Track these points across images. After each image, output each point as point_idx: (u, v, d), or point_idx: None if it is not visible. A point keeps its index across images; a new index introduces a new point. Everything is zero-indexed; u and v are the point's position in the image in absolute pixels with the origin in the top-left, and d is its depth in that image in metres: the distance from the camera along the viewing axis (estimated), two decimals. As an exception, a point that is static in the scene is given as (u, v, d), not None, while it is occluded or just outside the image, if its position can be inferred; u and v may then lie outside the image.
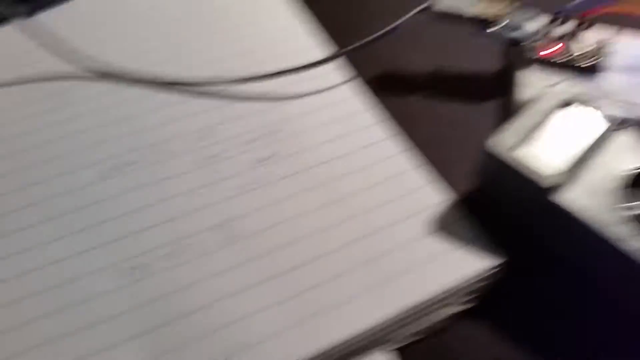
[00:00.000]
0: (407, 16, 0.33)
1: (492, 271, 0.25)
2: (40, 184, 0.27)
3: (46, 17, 0.36)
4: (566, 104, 0.26)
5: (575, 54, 0.32)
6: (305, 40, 0.35)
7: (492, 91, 0.33)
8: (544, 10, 0.34)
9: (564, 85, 0.26)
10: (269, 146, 0.29)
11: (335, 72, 0.33)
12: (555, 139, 0.25)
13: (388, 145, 0.29)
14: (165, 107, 0.31)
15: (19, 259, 0.25)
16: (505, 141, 0.25)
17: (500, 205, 0.26)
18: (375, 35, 0.32)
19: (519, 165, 0.24)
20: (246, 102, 0.31)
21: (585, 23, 0.33)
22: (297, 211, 0.26)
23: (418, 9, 0.33)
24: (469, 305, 0.25)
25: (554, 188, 0.23)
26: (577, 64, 0.32)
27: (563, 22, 0.33)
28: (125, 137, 0.30)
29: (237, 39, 0.35)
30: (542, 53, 0.32)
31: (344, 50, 0.32)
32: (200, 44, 0.35)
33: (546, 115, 0.26)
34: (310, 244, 0.25)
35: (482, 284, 0.25)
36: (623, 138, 0.25)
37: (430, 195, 0.27)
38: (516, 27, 0.33)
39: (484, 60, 0.35)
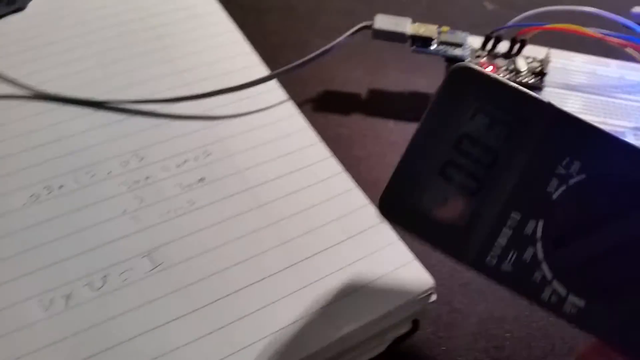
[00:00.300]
0: (345, 35, 0.32)
1: (424, 295, 0.24)
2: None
3: None
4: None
5: (514, 72, 0.32)
6: (241, 60, 0.34)
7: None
8: (482, 31, 0.34)
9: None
10: (199, 169, 0.28)
11: (272, 93, 0.32)
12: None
13: (324, 167, 0.29)
14: (97, 128, 0.30)
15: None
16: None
17: None
18: (312, 55, 0.32)
19: None
20: (179, 122, 0.30)
21: (520, 42, 0.33)
22: (227, 238, 0.26)
23: (356, 27, 0.33)
24: (403, 331, 0.25)
25: None
26: (515, 81, 0.32)
27: (497, 42, 0.33)
28: (55, 160, 0.28)
29: (172, 59, 0.34)
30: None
31: (279, 70, 0.32)
32: (134, 64, 0.34)
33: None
34: (241, 271, 0.25)
35: (416, 308, 0.24)
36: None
37: (367, 219, 0.27)
38: (455, 46, 0.33)
39: (424, 79, 0.35)
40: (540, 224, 0.18)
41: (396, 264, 0.25)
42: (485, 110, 0.19)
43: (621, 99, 0.32)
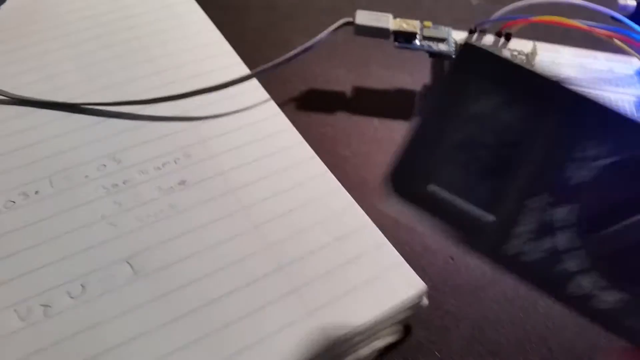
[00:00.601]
0: (326, 32, 0.32)
1: (416, 299, 0.24)
2: None
3: None
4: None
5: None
6: (221, 60, 0.34)
7: (419, 106, 0.32)
8: (467, 26, 0.33)
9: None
10: (179, 172, 0.27)
11: (253, 92, 0.31)
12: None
13: (309, 167, 0.28)
14: (73, 131, 0.29)
15: None
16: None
17: None
18: (293, 53, 0.31)
19: None
20: (158, 124, 0.30)
21: (505, 36, 0.33)
22: (210, 242, 0.25)
23: (337, 24, 0.32)
24: (395, 338, 0.24)
25: None
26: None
27: (481, 36, 0.33)
28: (30, 165, 0.28)
29: (151, 59, 0.33)
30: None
31: (260, 68, 0.31)
32: (112, 65, 0.33)
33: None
34: (224, 277, 0.24)
35: (407, 313, 0.24)
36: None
37: (354, 220, 0.26)
38: (439, 40, 0.33)
39: (408, 75, 0.34)
40: (567, 209, 0.17)
41: (385, 267, 0.24)
42: (496, 91, 0.18)
43: (610, 91, 0.32)
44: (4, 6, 0.36)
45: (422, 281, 0.24)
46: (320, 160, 0.28)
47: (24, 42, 0.34)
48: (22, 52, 0.34)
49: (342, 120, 0.32)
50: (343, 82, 0.34)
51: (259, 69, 0.31)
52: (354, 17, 0.32)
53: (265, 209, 0.26)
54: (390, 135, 0.31)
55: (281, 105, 0.31)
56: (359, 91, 0.34)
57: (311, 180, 0.27)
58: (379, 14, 0.33)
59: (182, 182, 0.27)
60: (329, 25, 0.32)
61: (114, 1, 0.37)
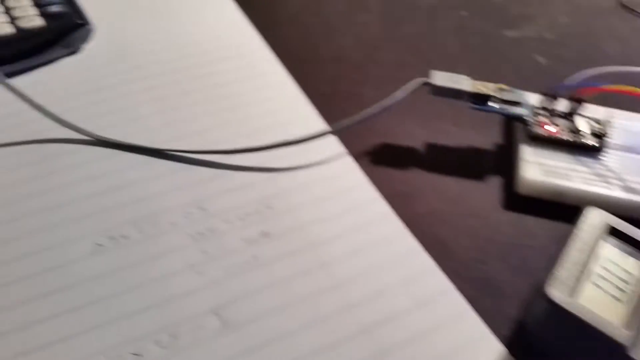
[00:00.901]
0: (403, 92, 0.32)
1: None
2: (26, 259, 0.26)
3: (30, 79, 0.35)
4: (609, 231, 0.24)
5: (575, 132, 0.32)
6: (298, 111, 0.34)
7: (493, 167, 0.33)
8: (538, 90, 0.34)
9: (598, 213, 0.25)
10: (261, 223, 0.28)
11: (330, 146, 0.32)
12: (608, 277, 0.23)
13: (385, 226, 0.29)
14: (158, 177, 0.30)
15: (4, 340, 0.23)
16: (563, 286, 0.22)
17: (552, 349, 0.24)
18: (372, 112, 0.32)
19: (589, 318, 0.21)
20: (239, 173, 0.30)
21: (579, 102, 0.33)
22: (293, 297, 0.25)
23: (414, 84, 0.33)
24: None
25: (630, 343, 0.21)
26: (578, 142, 0.32)
27: (554, 100, 0.33)
28: (119, 208, 0.28)
29: (229, 108, 0.34)
30: (542, 130, 0.32)
31: (340, 125, 0.32)
32: (193, 112, 0.34)
33: (592, 249, 0.24)
34: (308, 335, 0.24)
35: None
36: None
37: (435, 283, 0.26)
38: (514, 104, 0.33)
39: (483, 136, 0.35)
40: None
41: (469, 336, 0.24)
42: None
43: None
44: (87, 46, 0.38)
45: (508, 352, 0.24)
46: (397, 218, 0.29)
47: (106, 83, 0.35)
48: (104, 93, 0.35)
49: (416, 177, 0.32)
50: (415, 137, 0.34)
51: (339, 125, 0.32)
52: (429, 76, 0.33)
53: (345, 267, 0.27)
54: (465, 194, 0.31)
55: (355, 158, 0.32)
56: (431, 147, 0.34)
57: (388, 239, 0.28)
58: (455, 75, 0.33)
59: (265, 234, 0.28)
60: (398, 78, 0.33)
61: (194, 47, 0.39)
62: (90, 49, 0.38)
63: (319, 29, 0.42)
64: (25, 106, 0.32)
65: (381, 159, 0.33)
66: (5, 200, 0.28)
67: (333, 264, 0.27)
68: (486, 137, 0.35)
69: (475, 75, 0.33)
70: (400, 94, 0.32)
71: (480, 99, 0.33)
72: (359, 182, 0.31)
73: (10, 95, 0.32)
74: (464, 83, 0.33)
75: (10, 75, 0.34)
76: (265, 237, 0.28)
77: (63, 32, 0.37)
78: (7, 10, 0.37)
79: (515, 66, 0.40)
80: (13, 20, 0.36)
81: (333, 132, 0.32)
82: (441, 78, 0.33)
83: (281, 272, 0.26)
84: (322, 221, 0.28)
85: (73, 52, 0.37)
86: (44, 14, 0.37)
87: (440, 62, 0.35)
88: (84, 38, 0.38)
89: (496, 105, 0.33)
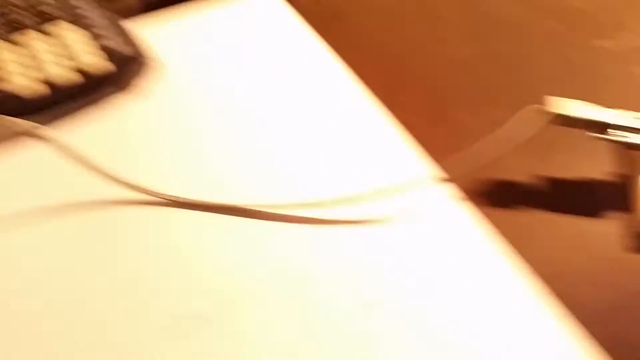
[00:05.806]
0: (519, 125, 0.28)
1: None
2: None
3: (81, 134, 0.31)
4: None
5: None
6: (406, 161, 0.31)
7: (615, 201, 0.30)
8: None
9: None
10: (373, 287, 0.25)
11: (440, 194, 0.29)
12: None
13: (512, 287, 0.26)
14: (247, 239, 0.27)
15: None
16: None
17: None
18: (493, 156, 0.28)
19: None
20: (339, 229, 0.27)
21: None
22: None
23: (529, 114, 0.29)
24: None
25: None
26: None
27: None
28: (199, 282, 0.25)
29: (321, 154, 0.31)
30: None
31: (454, 175, 0.28)
32: (274, 162, 0.30)
33: None
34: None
35: None
36: None
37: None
38: (635, 131, 0.29)
39: (603, 167, 0.31)
40: None
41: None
42: None
43: None
44: (146, 101, 0.33)
45: None
46: (521, 269, 0.26)
47: (170, 138, 0.32)
48: (168, 148, 0.31)
49: (534, 214, 0.28)
50: (528, 171, 0.31)
51: (452, 175, 0.28)
52: (547, 103, 0.29)
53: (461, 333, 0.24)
54: (589, 232, 0.28)
55: (470, 208, 0.28)
56: (551, 183, 0.30)
57: (513, 298, 0.25)
58: (587, 104, 0.30)
59: (374, 302, 0.25)
60: (500, 102, 0.31)
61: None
62: (147, 102, 0.33)
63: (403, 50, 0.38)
64: (86, 164, 0.28)
65: (495, 196, 0.29)
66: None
67: (450, 332, 0.24)
68: (607, 169, 0.31)
69: (580, 97, 0.30)
70: (513, 125, 0.29)
71: (597, 128, 0.29)
72: (475, 234, 0.27)
73: (68, 154, 0.28)
74: (604, 115, 0.29)
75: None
76: (376, 305, 0.24)
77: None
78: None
79: (611, 80, 0.36)
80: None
81: (444, 181, 0.28)
82: (573, 108, 0.29)
83: (395, 343, 0.23)
84: (435, 283, 0.25)
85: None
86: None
87: (540, 83, 0.31)
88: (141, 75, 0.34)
89: (615, 134, 0.29)
